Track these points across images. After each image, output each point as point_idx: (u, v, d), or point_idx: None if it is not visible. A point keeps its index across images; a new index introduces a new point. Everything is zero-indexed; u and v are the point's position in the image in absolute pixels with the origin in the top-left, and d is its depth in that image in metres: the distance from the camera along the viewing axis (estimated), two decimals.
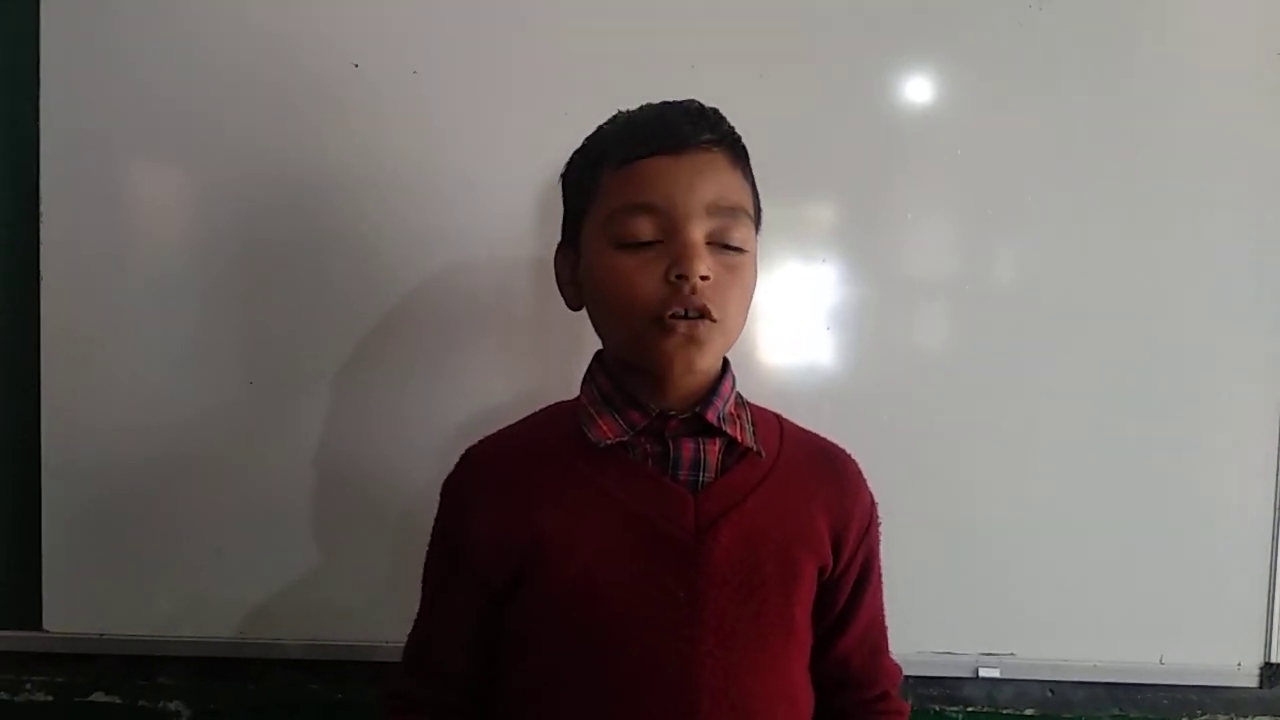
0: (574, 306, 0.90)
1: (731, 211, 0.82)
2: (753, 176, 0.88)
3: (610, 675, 0.82)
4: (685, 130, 0.82)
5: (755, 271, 0.86)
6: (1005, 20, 1.25)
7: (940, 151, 1.26)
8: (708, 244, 0.81)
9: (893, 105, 1.26)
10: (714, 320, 0.80)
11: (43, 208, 1.22)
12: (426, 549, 0.94)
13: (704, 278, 0.79)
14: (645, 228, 0.80)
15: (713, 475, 0.85)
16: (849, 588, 0.91)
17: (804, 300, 1.26)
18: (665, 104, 0.86)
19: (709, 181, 0.81)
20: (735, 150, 0.85)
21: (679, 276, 0.79)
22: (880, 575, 0.95)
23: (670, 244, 0.80)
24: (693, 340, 0.80)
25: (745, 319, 0.86)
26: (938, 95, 1.27)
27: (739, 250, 0.83)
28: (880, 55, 1.26)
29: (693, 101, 0.86)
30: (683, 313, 0.79)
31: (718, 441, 0.86)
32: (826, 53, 1.25)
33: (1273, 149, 1.27)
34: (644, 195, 0.80)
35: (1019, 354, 1.27)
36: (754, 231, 0.86)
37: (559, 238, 0.92)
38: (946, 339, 1.30)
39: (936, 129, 1.26)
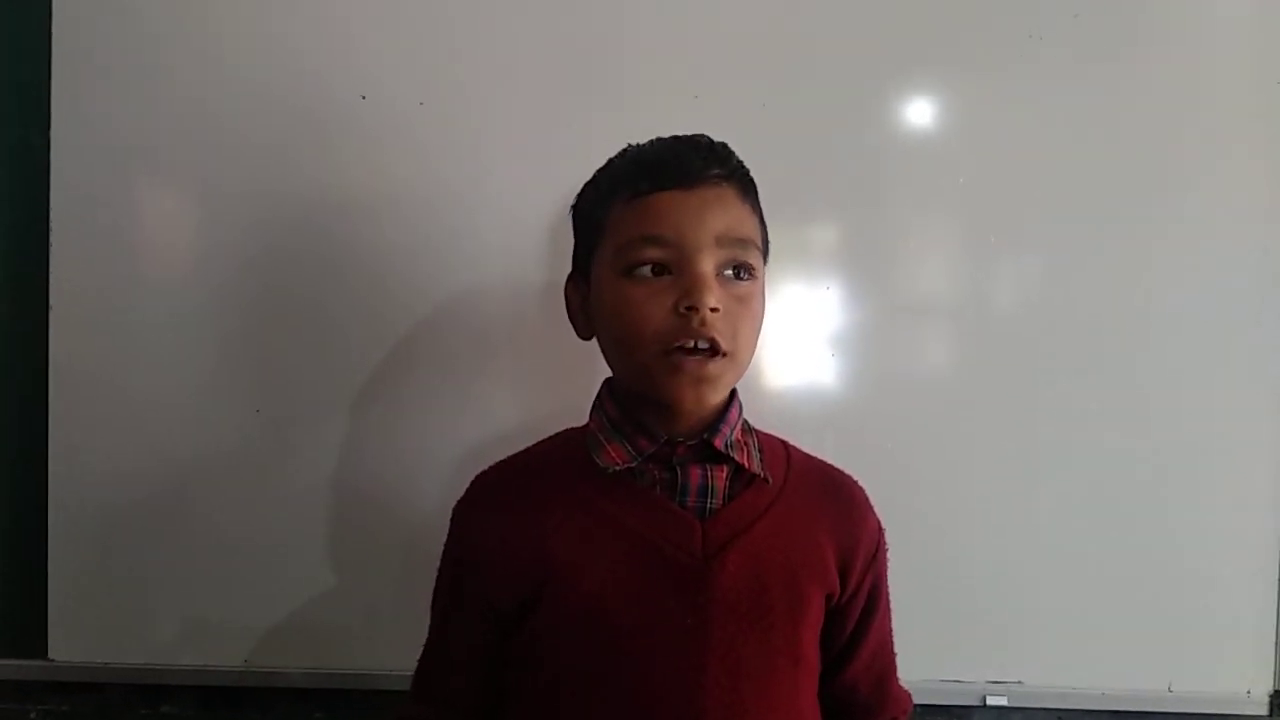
0: (584, 336, 0.91)
1: (741, 243, 0.83)
2: (761, 210, 0.89)
3: (616, 702, 0.82)
4: (695, 165, 0.83)
5: (764, 302, 0.87)
6: (1005, 50, 1.27)
7: (942, 179, 1.27)
8: (717, 276, 0.81)
9: (894, 134, 1.28)
10: (724, 353, 0.81)
11: (52, 230, 1.23)
12: (435, 574, 0.94)
13: (714, 309, 0.79)
14: (656, 259, 0.81)
15: (720, 502, 0.85)
16: (857, 614, 0.91)
17: (808, 325, 1.27)
18: (675, 138, 0.87)
19: (719, 214, 0.82)
20: (744, 184, 0.86)
21: (689, 308, 0.79)
22: (889, 601, 0.95)
23: (680, 276, 0.81)
24: (703, 379, 0.81)
25: (754, 350, 0.86)
26: (939, 123, 1.28)
27: (749, 281, 0.84)
28: (881, 86, 1.27)
29: (702, 136, 0.86)
30: (692, 344, 0.80)
31: (725, 468, 0.86)
32: (828, 84, 1.26)
33: (1274, 176, 1.28)
34: (654, 228, 0.81)
35: (1022, 377, 1.28)
36: (763, 263, 0.87)
37: (568, 267, 0.93)
38: (950, 363, 1.31)
39: (938, 157, 1.28)
